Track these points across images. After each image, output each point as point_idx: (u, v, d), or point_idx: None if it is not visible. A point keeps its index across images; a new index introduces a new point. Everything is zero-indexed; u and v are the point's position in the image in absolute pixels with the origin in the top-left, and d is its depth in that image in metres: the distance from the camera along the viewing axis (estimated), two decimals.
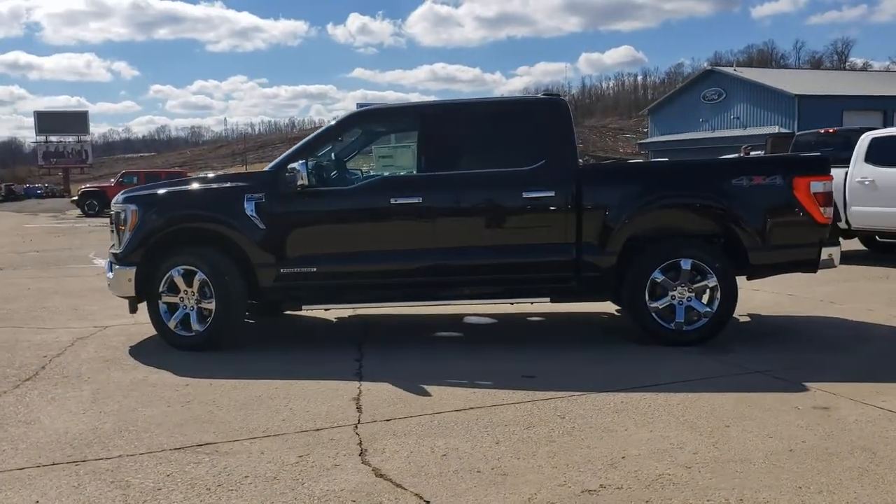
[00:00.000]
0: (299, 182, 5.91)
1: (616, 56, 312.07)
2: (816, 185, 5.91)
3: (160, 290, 6.16)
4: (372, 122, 6.70)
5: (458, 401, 4.63)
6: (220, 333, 6.10)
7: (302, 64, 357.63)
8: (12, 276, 11.42)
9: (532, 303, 6.46)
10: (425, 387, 4.93)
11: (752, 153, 22.02)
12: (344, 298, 6.31)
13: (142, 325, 6.71)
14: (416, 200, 5.98)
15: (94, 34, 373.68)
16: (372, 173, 6.69)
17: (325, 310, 6.95)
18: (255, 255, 6.06)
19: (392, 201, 6.01)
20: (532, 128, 6.25)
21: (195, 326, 6.13)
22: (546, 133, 6.14)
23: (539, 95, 6.45)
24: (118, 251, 6.31)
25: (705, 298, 6.01)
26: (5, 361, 5.89)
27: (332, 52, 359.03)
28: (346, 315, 7.60)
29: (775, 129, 49.71)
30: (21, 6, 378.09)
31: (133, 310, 6.40)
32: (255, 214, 6.04)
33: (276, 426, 4.23)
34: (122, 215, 6.33)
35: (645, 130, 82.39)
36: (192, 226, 6.21)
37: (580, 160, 6.32)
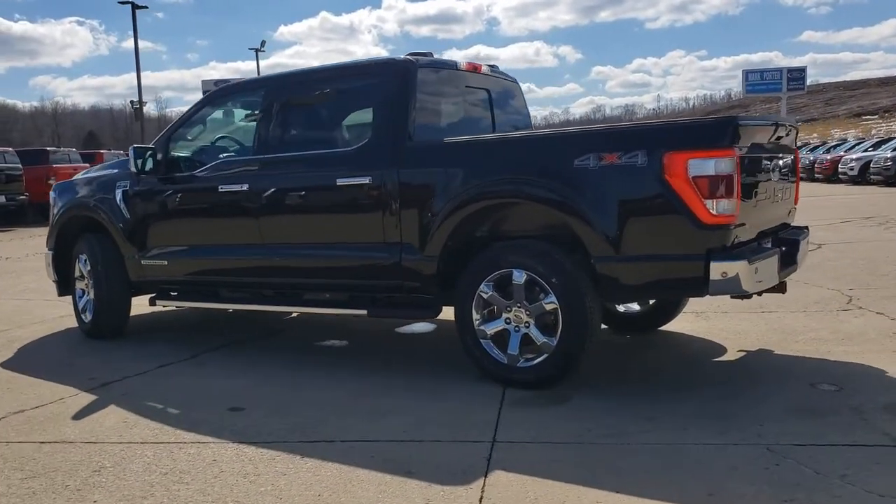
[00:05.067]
0: (132, 169, 5.53)
1: None
2: (700, 165, 3.76)
3: (75, 275, 6.30)
4: (230, 98, 5.94)
5: (85, 432, 3.93)
6: (99, 323, 6.01)
7: (744, 32, 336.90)
8: None
9: (354, 315, 5.21)
10: (117, 407, 4.32)
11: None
12: (194, 297, 5.79)
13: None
14: (242, 188, 5.20)
15: (542, 23, 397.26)
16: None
17: (178, 307, 6.39)
18: (122, 245, 5.85)
19: (220, 189, 5.31)
20: (367, 99, 5.02)
21: (88, 314, 6.14)
22: (377, 105, 4.87)
23: (394, 57, 5.06)
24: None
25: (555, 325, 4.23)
26: None
27: (777, 16, 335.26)
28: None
29: None
30: (482, 4, 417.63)
31: (59, 293, 6.59)
32: (122, 202, 5.84)
33: None
34: (50, 202, 6.59)
35: None
36: (82, 214, 6.19)
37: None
